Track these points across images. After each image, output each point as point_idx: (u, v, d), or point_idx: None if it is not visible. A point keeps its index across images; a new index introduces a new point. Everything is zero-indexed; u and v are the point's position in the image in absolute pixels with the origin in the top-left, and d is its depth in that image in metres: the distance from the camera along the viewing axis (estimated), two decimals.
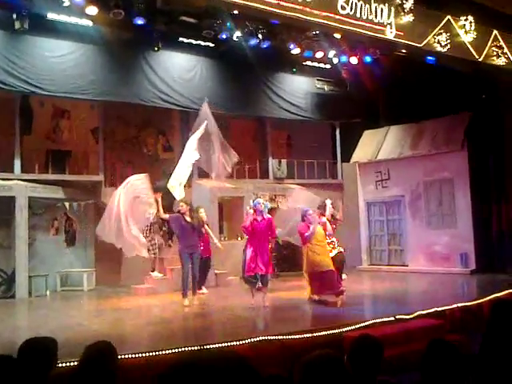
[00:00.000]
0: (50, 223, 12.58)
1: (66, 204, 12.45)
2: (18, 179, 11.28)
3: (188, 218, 9.40)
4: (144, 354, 5.50)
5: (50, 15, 10.64)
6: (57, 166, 12.12)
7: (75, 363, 4.15)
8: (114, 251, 12.96)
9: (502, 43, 11.42)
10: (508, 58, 11.57)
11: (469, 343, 6.37)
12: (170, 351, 5.57)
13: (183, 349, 5.61)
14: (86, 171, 12.79)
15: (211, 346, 5.72)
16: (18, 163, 11.40)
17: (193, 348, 5.64)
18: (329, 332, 6.52)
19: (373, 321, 7.21)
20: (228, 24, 10.78)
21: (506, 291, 9.49)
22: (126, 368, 4.61)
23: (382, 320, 7.32)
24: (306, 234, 8.77)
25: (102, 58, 11.62)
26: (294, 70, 14.29)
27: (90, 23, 10.91)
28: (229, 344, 5.89)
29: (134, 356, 5.41)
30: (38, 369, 2.91)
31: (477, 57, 11.02)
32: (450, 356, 2.99)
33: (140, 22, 10.37)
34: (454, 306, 8.29)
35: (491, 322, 2.93)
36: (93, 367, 3.01)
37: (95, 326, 7.71)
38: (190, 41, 12.50)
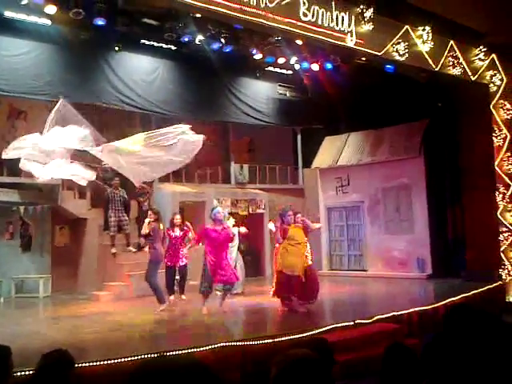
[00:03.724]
0: (5, 227, 12.20)
1: (22, 208, 12.11)
2: None
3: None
4: (102, 362, 5.39)
5: (8, 13, 10.35)
6: (12, 169, 11.76)
7: (31, 372, 4.04)
8: (71, 257, 12.75)
9: (457, 53, 11.76)
10: (463, 68, 11.93)
11: None
12: (128, 359, 5.47)
13: (142, 356, 5.52)
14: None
15: (171, 353, 5.65)
16: None
17: (152, 355, 5.56)
18: (289, 337, 6.54)
19: (332, 326, 7.28)
20: (190, 27, 10.72)
21: (461, 295, 9.76)
22: (83, 376, 4.50)
23: (342, 325, 7.40)
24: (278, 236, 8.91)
25: (61, 58, 11.37)
26: (256, 75, 14.37)
27: (48, 22, 10.67)
28: (189, 351, 5.84)
29: (91, 364, 5.29)
30: None
31: (433, 66, 11.30)
32: (408, 360, 3.05)
33: (100, 22, 10.18)
34: (412, 310, 8.46)
35: (446, 326, 3.00)
36: (49, 376, 2.94)
37: (51, 333, 7.51)
38: (151, 43, 12.37)
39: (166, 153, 8.40)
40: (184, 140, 8.48)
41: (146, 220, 9.59)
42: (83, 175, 8.95)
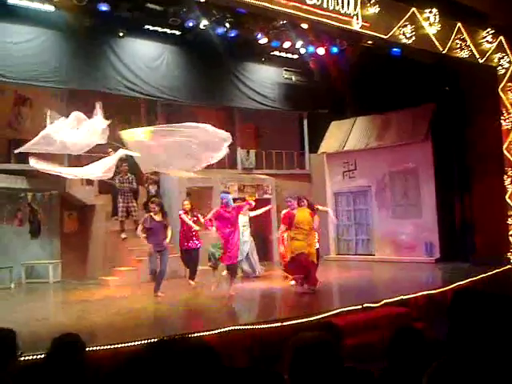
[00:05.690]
0: (14, 214, 12.27)
1: (30, 195, 12.16)
2: None
3: (157, 217, 9.41)
4: (112, 346, 5.44)
5: (11, 0, 10.31)
6: (19, 156, 11.78)
7: (42, 356, 4.08)
8: (80, 243, 12.83)
9: (465, 36, 11.62)
10: (471, 51, 11.79)
11: (433, 330, 6.53)
12: (137, 343, 5.52)
13: (150, 340, 5.56)
14: (50, 161, 12.48)
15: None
16: None
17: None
18: (298, 321, 6.57)
19: (341, 309, 7.31)
20: (194, 11, 10.64)
21: (469, 279, 9.75)
22: (94, 360, 4.55)
23: (350, 308, 7.42)
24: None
25: (66, 44, 11.34)
26: (261, 60, 14.30)
27: (52, 8, 10.62)
28: (197, 334, 5.87)
29: (101, 348, 5.35)
30: None
31: (441, 49, 11.18)
32: (417, 343, 3.06)
33: (104, 8, 10.15)
34: (419, 294, 8.47)
35: (452, 310, 3.00)
36: (60, 360, 2.97)
37: (62, 318, 7.60)
38: (156, 28, 12.30)
39: (187, 141, 8.50)
40: (203, 129, 8.58)
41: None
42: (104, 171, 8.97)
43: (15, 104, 12.85)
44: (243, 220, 10.95)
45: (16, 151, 8.68)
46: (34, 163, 8.42)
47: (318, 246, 9.77)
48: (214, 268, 10.20)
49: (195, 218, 10.28)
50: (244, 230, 11.06)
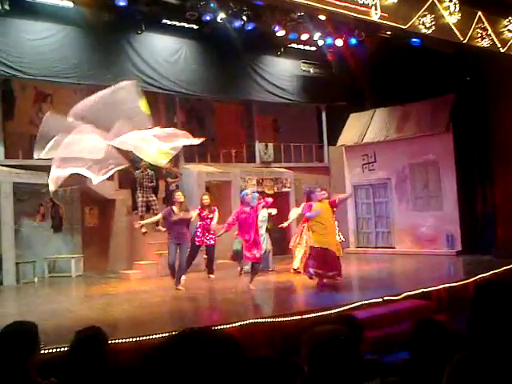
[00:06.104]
0: (36, 209, 12.45)
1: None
2: (2, 165, 11.12)
3: (176, 211, 9.44)
4: (134, 339, 5.50)
5: None
6: None
7: (65, 349, 4.15)
8: (101, 237, 12.98)
9: (486, 25, 11.42)
10: (492, 40, 11.59)
11: (455, 323, 6.47)
12: (159, 335, 5.57)
13: (173, 333, 5.61)
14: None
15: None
16: (1, 149, 11.23)
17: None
18: (318, 314, 6.57)
19: (361, 302, 7.29)
20: (211, 5, 10.65)
21: (491, 272, 9.63)
22: (116, 353, 4.61)
23: (370, 301, 7.39)
24: (307, 214, 8.94)
25: (85, 40, 11.44)
26: (279, 52, 14.26)
27: (71, 5, 10.71)
28: (218, 327, 5.91)
29: (124, 341, 5.41)
30: (17, 353, 2.86)
31: (461, 38, 11.01)
32: (438, 335, 3.04)
33: (122, 3, 10.22)
34: (441, 286, 8.40)
35: (475, 303, 2.96)
36: (83, 352, 3.01)
37: (84, 311, 7.70)
38: (173, 23, 12.35)
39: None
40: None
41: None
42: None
43: (36, 101, 13.01)
44: (262, 213, 10.89)
45: (35, 157, 8.61)
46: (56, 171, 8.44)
47: (342, 238, 9.71)
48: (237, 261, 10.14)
49: (211, 215, 10.17)
50: (262, 225, 10.98)
